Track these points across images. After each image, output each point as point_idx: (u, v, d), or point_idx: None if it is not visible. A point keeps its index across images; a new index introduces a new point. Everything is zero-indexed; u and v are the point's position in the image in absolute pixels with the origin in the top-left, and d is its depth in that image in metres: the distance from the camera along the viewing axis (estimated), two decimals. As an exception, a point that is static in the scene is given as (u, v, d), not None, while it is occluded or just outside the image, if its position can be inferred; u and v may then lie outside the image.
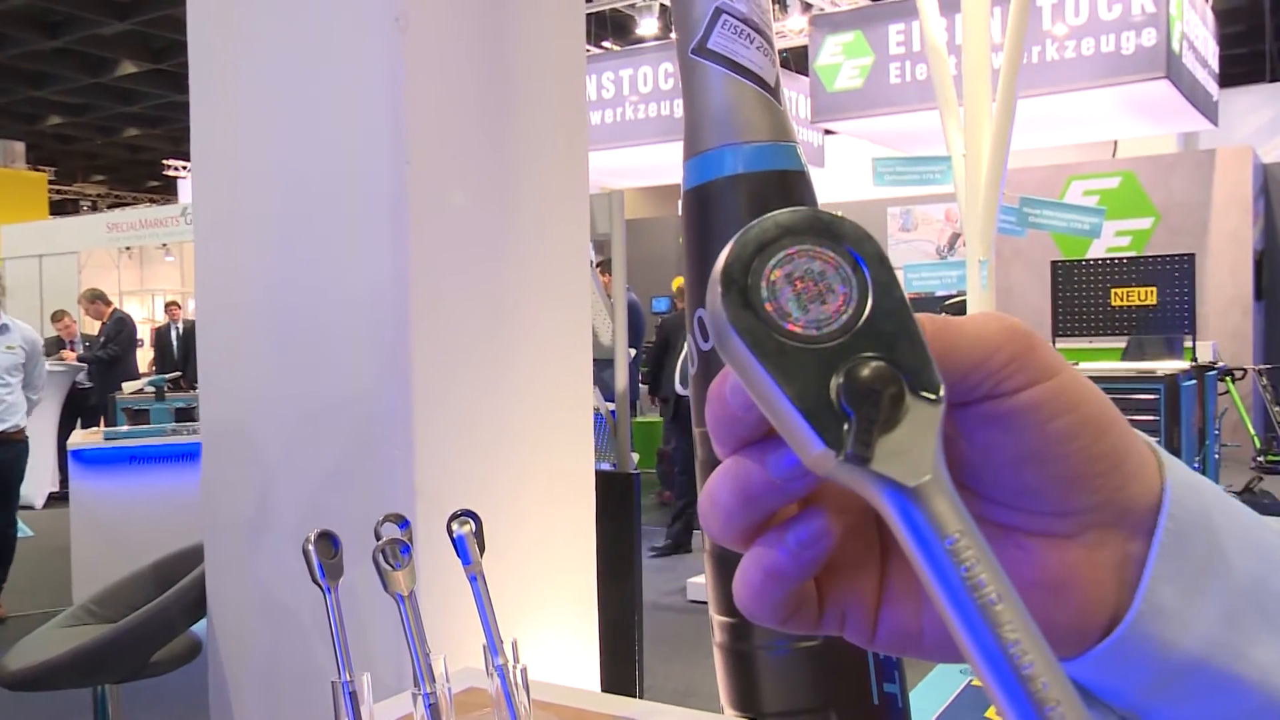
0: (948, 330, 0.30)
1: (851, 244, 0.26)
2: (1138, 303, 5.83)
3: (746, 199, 1.70)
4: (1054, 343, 5.94)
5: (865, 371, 0.25)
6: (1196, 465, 5.16)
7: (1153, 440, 0.34)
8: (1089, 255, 7.71)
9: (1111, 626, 0.32)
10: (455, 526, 1.19)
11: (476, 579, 1.18)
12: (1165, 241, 9.12)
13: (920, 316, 0.29)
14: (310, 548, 1.17)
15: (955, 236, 10.79)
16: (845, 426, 0.25)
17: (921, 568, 0.25)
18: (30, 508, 8.27)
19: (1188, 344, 5.72)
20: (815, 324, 0.25)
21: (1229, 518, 0.33)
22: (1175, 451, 4.93)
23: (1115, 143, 10.18)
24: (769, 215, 0.26)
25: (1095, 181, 9.65)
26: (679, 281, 6.73)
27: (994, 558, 0.25)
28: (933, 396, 0.26)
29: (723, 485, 0.30)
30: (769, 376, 0.25)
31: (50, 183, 19.13)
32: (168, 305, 11.38)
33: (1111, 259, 6.28)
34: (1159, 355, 5.60)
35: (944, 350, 0.30)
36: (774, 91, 1.70)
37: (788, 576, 0.30)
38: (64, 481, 7.75)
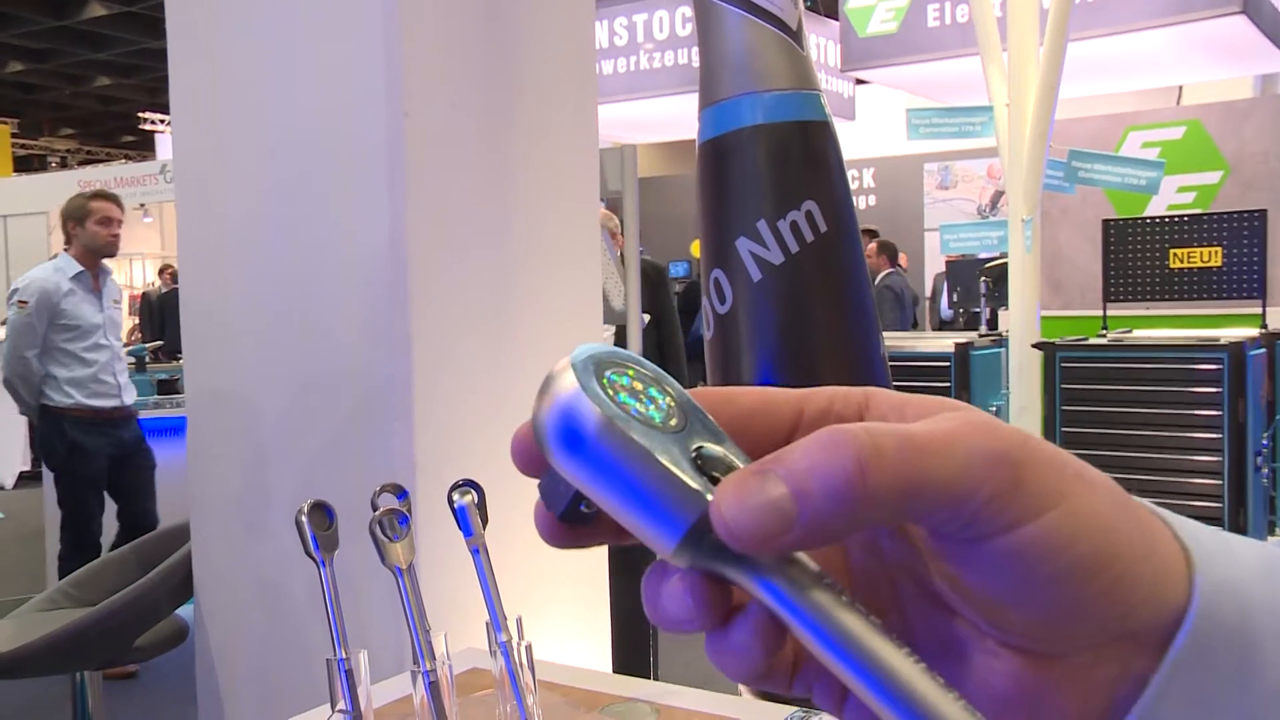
0: (920, 458, 0.28)
1: (653, 368, 0.32)
2: (1200, 264, 5.80)
3: (766, 151, 1.72)
4: (1105, 309, 5.93)
5: (713, 451, 0.30)
6: (1265, 443, 5.16)
7: (1190, 527, 0.32)
8: (1146, 214, 7.68)
9: None
10: (456, 497, 1.23)
11: (479, 551, 1.23)
12: (1235, 197, 9.03)
13: (886, 433, 0.28)
14: (304, 519, 1.21)
15: (998, 195, 10.73)
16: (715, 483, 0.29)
17: (801, 612, 0.29)
18: (0, 488, 8.40)
19: (1256, 310, 5.71)
20: (657, 418, 0.30)
21: (1274, 601, 0.31)
22: (1240, 428, 4.94)
23: (1180, 88, 10.08)
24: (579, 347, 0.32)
25: (1156, 132, 9.56)
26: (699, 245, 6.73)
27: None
28: None
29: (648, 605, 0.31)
30: (642, 448, 0.29)
31: (13, 136, 19.21)
32: (161, 269, 11.55)
33: (1172, 217, 6.25)
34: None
35: (913, 482, 0.28)
36: (796, 35, 1.72)
37: (736, 670, 0.31)
38: (36, 460, 7.85)
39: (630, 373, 0.31)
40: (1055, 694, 0.30)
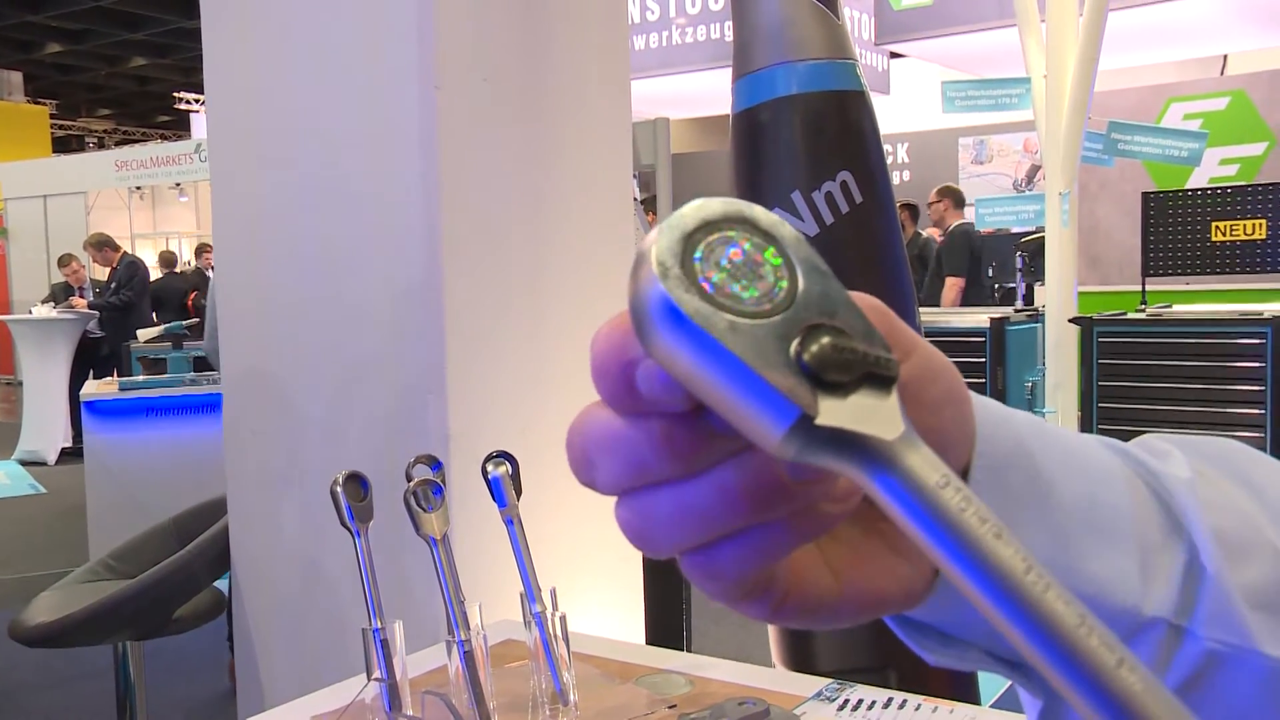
0: None
1: (768, 227, 0.29)
2: (1243, 237, 5.71)
3: (801, 122, 1.71)
4: (1144, 284, 5.85)
5: (821, 333, 0.28)
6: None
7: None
8: (1188, 186, 7.55)
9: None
10: (490, 468, 1.24)
11: (513, 522, 1.23)
12: (1280, 169, 8.87)
13: None
14: (338, 489, 1.22)
15: (1035, 169, 10.59)
16: (814, 390, 0.27)
17: (916, 521, 0.27)
18: (42, 464, 8.53)
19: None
20: (756, 301, 0.28)
21: (1050, 443, 0.37)
22: (1282, 405, 4.87)
23: (1225, 58, 9.89)
24: (685, 206, 0.29)
25: (1199, 103, 9.39)
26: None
27: (981, 501, 0.27)
28: (884, 356, 0.28)
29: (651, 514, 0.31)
30: (728, 354, 0.27)
31: (52, 117, 19.42)
32: (199, 249, 11.66)
33: (1214, 189, 6.14)
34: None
35: None
36: (831, 4, 1.70)
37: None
38: (76, 436, 7.97)
39: (733, 235, 0.28)
40: (902, 555, 0.35)
